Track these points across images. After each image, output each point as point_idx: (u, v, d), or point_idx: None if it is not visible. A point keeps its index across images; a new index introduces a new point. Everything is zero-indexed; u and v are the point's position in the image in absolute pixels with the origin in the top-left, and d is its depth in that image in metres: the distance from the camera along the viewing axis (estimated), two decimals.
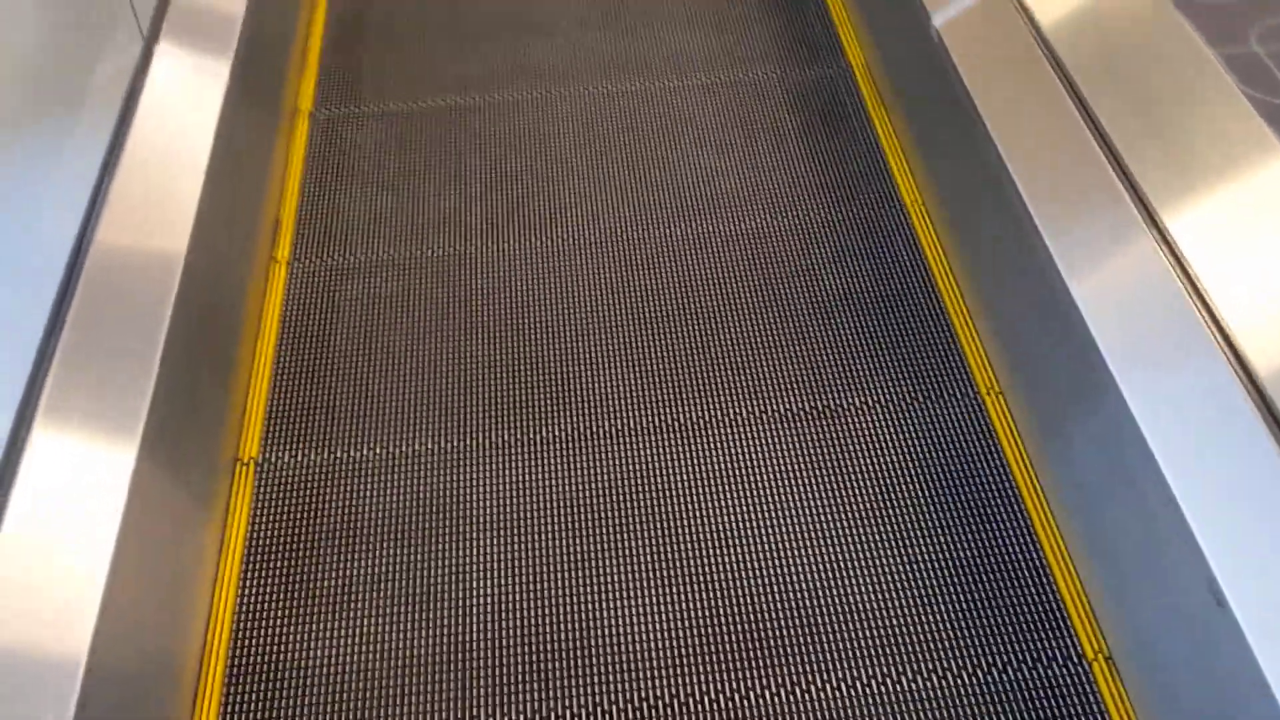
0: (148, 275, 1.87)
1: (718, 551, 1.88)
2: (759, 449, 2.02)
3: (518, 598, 1.83)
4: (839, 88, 2.74)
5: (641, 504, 1.95)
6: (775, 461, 2.00)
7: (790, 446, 2.02)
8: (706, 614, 1.81)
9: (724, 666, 1.75)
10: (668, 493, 1.96)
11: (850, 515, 1.92)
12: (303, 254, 2.40)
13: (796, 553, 1.87)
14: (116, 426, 1.64)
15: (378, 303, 2.29)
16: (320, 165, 2.59)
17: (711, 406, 2.08)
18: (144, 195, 1.93)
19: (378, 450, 2.04)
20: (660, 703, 1.72)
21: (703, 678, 1.74)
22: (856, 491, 1.96)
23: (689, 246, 2.37)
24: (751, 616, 1.80)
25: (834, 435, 2.04)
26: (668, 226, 2.41)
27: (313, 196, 2.52)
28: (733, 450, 2.02)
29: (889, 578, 1.84)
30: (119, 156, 1.93)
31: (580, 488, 1.97)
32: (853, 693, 1.72)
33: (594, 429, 2.06)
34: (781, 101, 2.69)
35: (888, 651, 1.75)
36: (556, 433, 2.05)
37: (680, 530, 1.91)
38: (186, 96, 2.17)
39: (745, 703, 1.72)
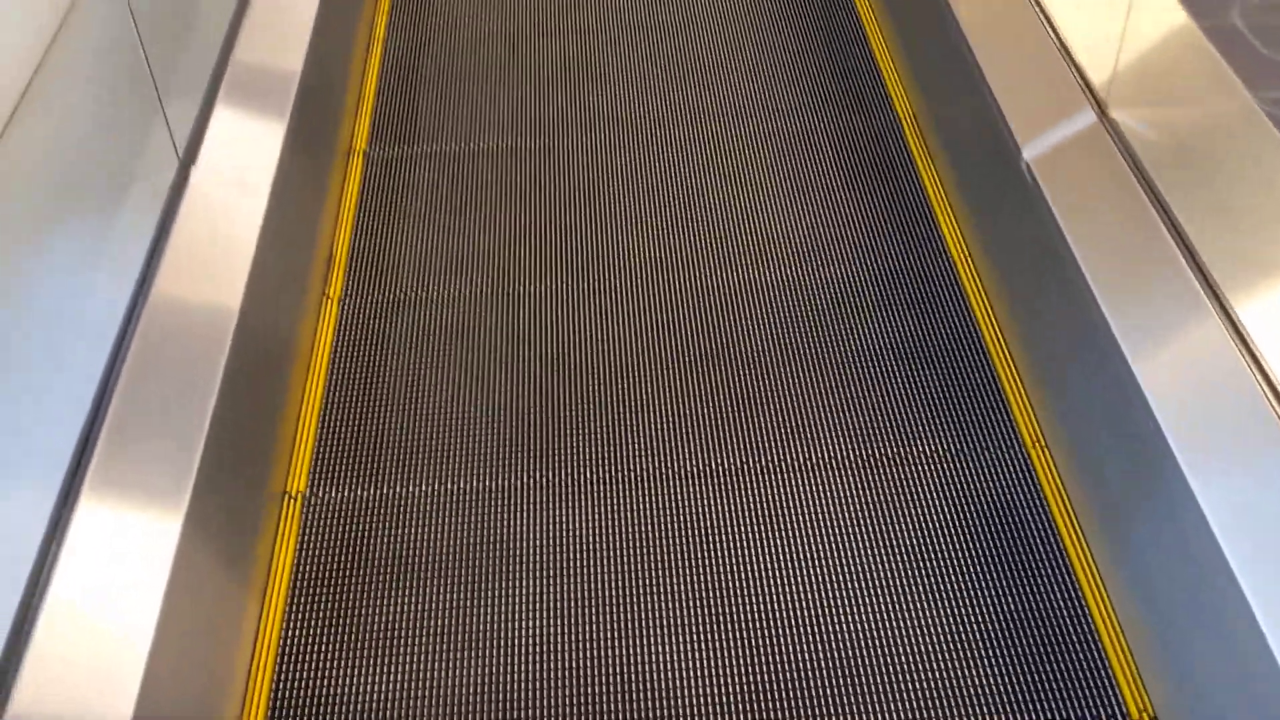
0: (207, 312, 1.92)
1: (761, 599, 1.88)
2: (803, 497, 2.02)
3: (561, 639, 1.84)
4: (886, 138, 2.76)
5: (685, 549, 1.95)
6: (819, 510, 2.00)
7: (834, 495, 2.02)
8: (749, 661, 1.81)
9: (765, 714, 1.75)
10: (711, 538, 1.97)
11: (893, 566, 1.92)
12: (354, 290, 2.43)
13: (838, 602, 1.87)
14: (173, 459, 1.67)
15: (426, 340, 2.32)
16: (373, 203, 2.63)
17: (756, 452, 2.09)
18: (205, 236, 1.98)
19: (424, 487, 2.06)
20: None
21: None
22: (900, 542, 1.96)
23: (735, 291, 2.39)
24: (793, 665, 1.80)
25: (878, 485, 2.04)
26: (714, 271, 2.43)
27: (365, 234, 2.56)
28: (777, 497, 2.02)
29: (932, 630, 1.83)
30: (180, 199, 1.98)
31: (625, 530, 1.98)
32: None
33: (639, 471, 2.07)
34: (829, 150, 2.72)
35: (930, 704, 1.74)
36: (602, 474, 2.07)
37: (723, 576, 1.91)
38: (247, 140, 2.22)
39: None
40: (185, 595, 1.59)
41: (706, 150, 2.74)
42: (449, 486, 2.06)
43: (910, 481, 2.04)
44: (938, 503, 2.00)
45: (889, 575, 1.90)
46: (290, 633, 1.86)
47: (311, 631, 1.86)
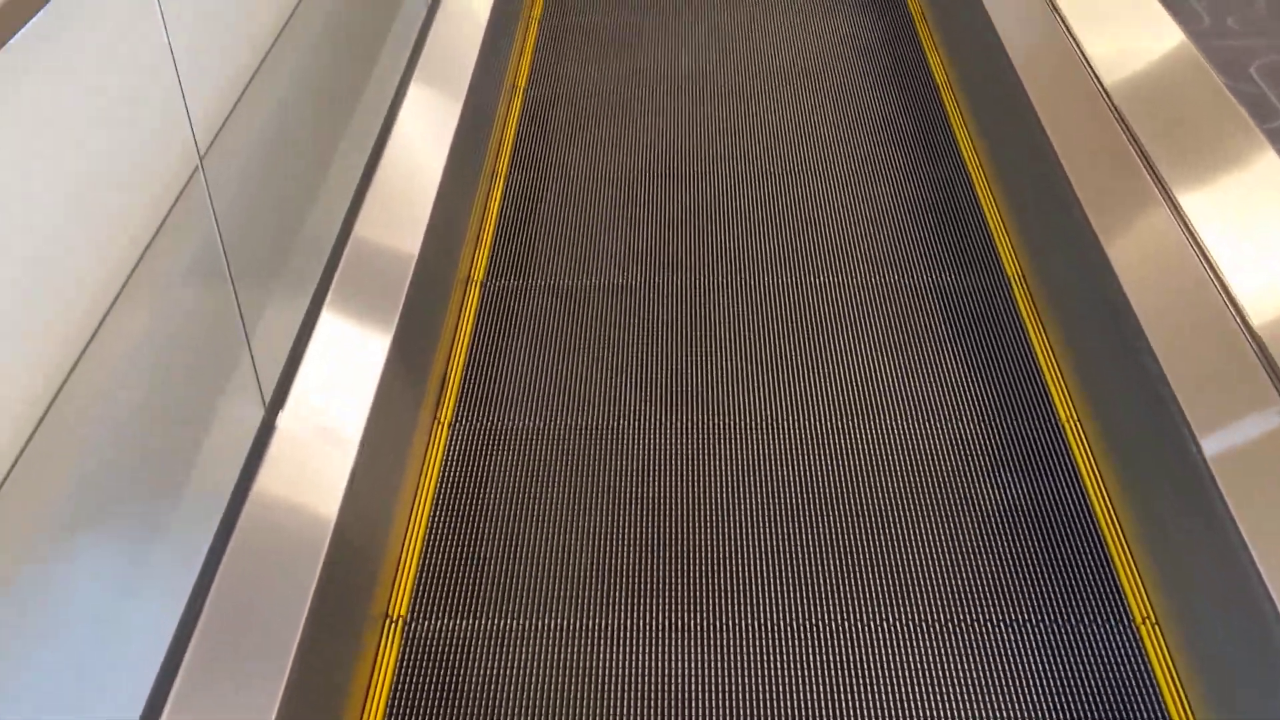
0: (334, 431, 1.99)
1: None
2: (902, 657, 1.99)
3: None
4: (995, 297, 2.77)
5: (781, 703, 1.93)
6: (918, 672, 1.97)
7: (934, 657, 1.99)
8: None
9: None
10: (807, 694, 1.94)
11: None
12: (464, 417, 2.49)
13: None
14: (293, 569, 1.72)
15: (532, 471, 2.35)
16: (488, 332, 2.71)
17: (855, 608, 2.07)
18: (342, 341, 2.05)
19: (522, 621, 2.07)
20: None
21: None
22: (999, 713, 1.91)
23: (839, 444, 2.39)
24: None
25: (979, 650, 2.00)
26: (819, 422, 2.44)
27: (478, 362, 2.63)
28: (875, 655, 2.00)
29: None
30: (315, 324, 2.06)
31: (719, 680, 1.96)
32: None
33: (735, 620, 2.06)
34: (936, 307, 2.74)
35: None
36: (700, 620, 2.06)
37: None
38: (380, 267, 2.32)
39: None
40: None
41: (815, 300, 2.78)
42: (547, 622, 2.07)
43: (1014, 650, 2.00)
44: (1040, 674, 1.96)
45: None
46: None
47: None
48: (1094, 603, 2.07)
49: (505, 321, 2.75)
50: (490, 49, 3.30)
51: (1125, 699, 1.92)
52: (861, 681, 1.95)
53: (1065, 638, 2.02)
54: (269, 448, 1.83)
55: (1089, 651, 2.00)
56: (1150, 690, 1.94)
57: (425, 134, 2.78)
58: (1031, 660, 1.99)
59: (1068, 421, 2.43)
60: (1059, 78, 2.81)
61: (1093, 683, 1.95)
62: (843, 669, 1.98)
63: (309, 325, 2.11)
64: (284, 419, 1.87)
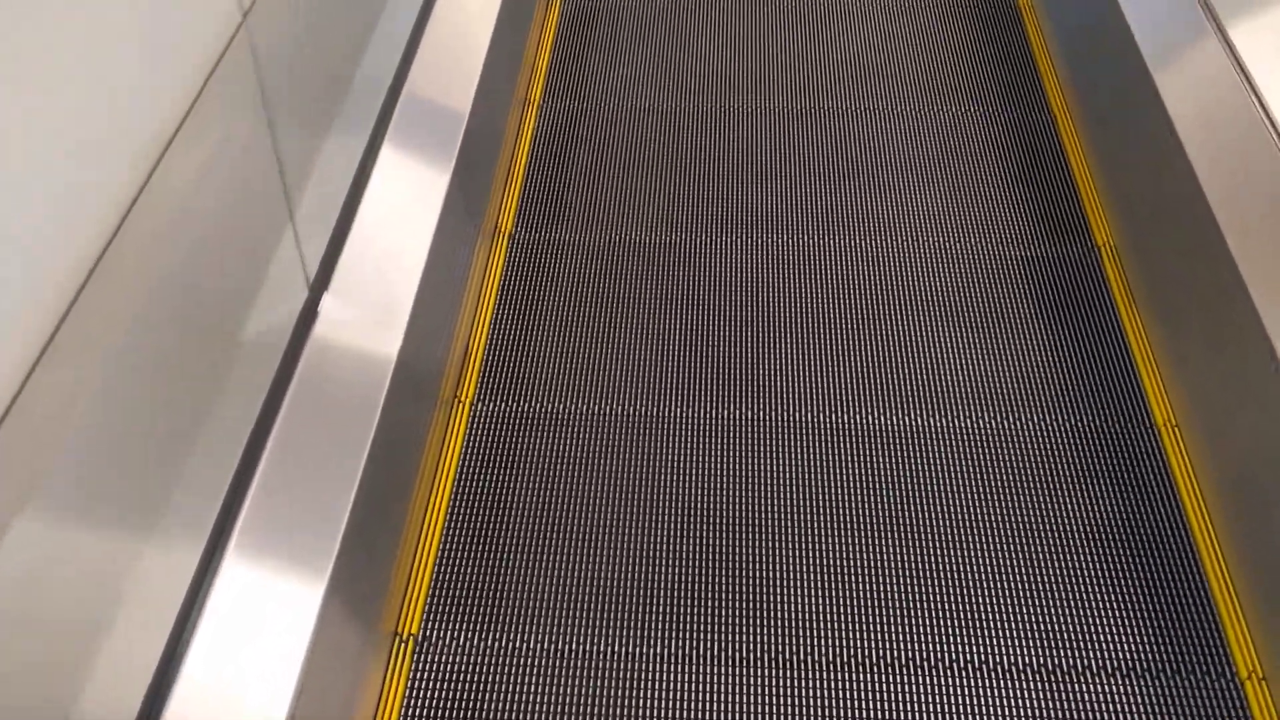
0: (352, 396, 1.77)
1: None
2: (978, 703, 1.77)
3: None
4: (1083, 272, 2.47)
5: None
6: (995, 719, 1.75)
7: (1009, 709, 1.76)
8: None
9: None
10: None
11: None
12: (487, 395, 2.24)
13: None
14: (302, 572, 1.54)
15: (559, 463, 2.11)
16: (515, 294, 2.44)
17: (921, 644, 1.84)
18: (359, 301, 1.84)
19: (545, 644, 1.86)
20: None
21: None
22: None
23: (907, 439, 2.13)
24: None
25: (1063, 702, 1.77)
26: (885, 414, 2.18)
27: (504, 330, 2.37)
28: (944, 702, 1.77)
29: None
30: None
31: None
32: None
33: (785, 654, 1.83)
34: (1018, 280, 2.44)
35: None
36: (744, 653, 1.84)
37: None
38: (405, 210, 2.07)
39: None
40: None
41: (884, 276, 2.48)
42: (573, 646, 1.85)
43: (1099, 700, 1.77)
44: None
45: None
46: None
47: None
48: (1192, 647, 1.83)
49: (534, 279, 2.48)
50: None
51: None
52: None
53: (1158, 688, 1.78)
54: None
55: (1184, 706, 1.77)
56: None
57: None
58: (1119, 713, 1.76)
59: (1164, 424, 2.16)
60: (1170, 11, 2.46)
61: None
62: (907, 715, 1.75)
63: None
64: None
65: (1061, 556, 1.95)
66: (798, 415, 2.18)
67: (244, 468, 1.61)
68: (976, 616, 1.88)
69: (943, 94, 2.94)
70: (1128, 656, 1.82)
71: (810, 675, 1.81)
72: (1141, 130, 2.42)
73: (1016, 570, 1.93)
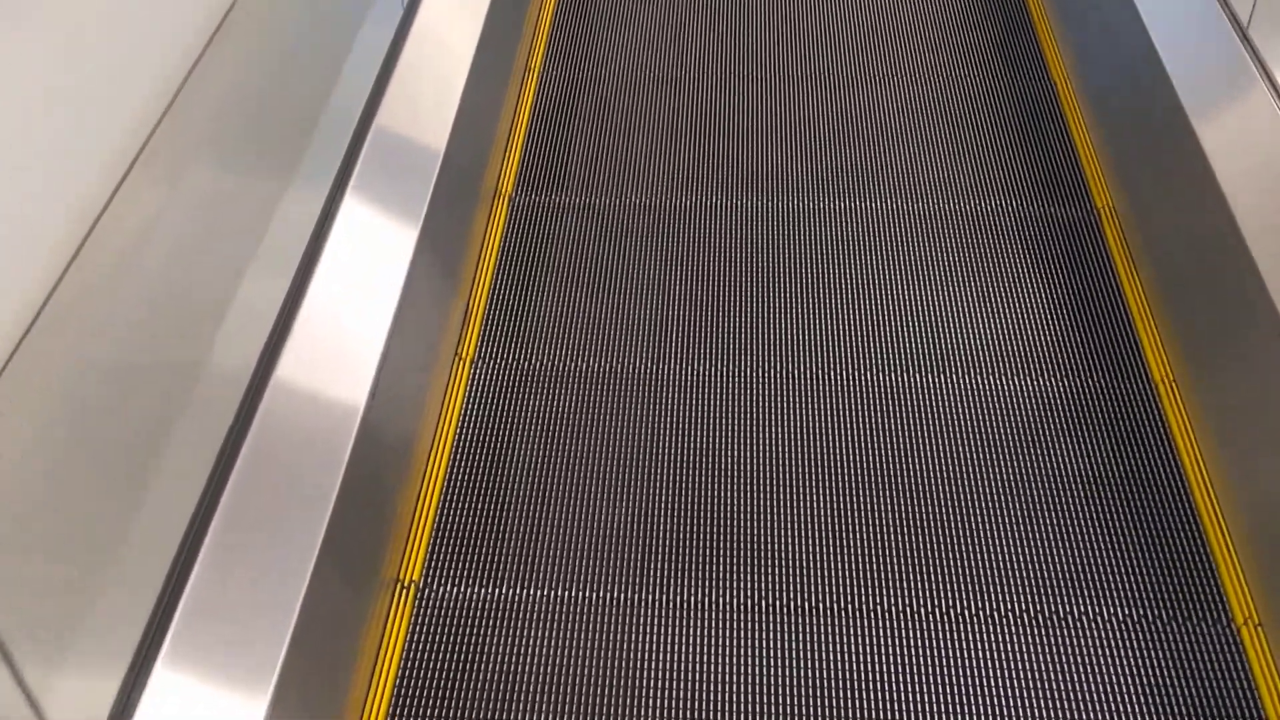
0: (342, 369, 1.78)
1: None
2: (974, 650, 1.78)
3: None
4: (1084, 234, 2.48)
5: (837, 698, 1.72)
6: (991, 668, 1.76)
7: (1011, 654, 1.77)
8: None
9: None
10: (866, 688, 1.74)
11: None
12: (488, 353, 2.25)
13: None
14: (296, 532, 1.55)
15: (560, 420, 2.12)
16: (515, 255, 2.45)
17: (924, 592, 1.85)
18: (349, 275, 1.84)
19: (546, 592, 1.87)
20: None
21: None
22: (1078, 716, 1.70)
23: (909, 397, 2.14)
24: None
25: (1065, 647, 1.78)
26: (889, 372, 2.19)
27: (504, 290, 2.38)
28: (943, 648, 1.78)
29: None
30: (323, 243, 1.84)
31: (769, 669, 1.76)
32: None
33: (790, 600, 1.84)
34: (1021, 242, 2.45)
35: None
36: (744, 599, 1.85)
37: None
38: (399, 183, 2.07)
39: None
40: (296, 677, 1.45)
41: (886, 238, 2.49)
42: (574, 594, 1.86)
43: (1101, 648, 1.78)
44: (1126, 674, 1.74)
45: None
46: None
47: None
48: (1187, 594, 1.84)
49: (533, 242, 2.49)
50: None
51: (1222, 708, 1.71)
52: (931, 677, 1.74)
53: (1154, 635, 1.80)
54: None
55: (1181, 652, 1.78)
56: (1250, 699, 1.72)
57: None
58: (1116, 659, 1.77)
59: (1161, 379, 2.17)
60: None
61: (1186, 691, 1.73)
62: (913, 659, 1.76)
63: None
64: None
65: (1063, 510, 1.96)
66: (802, 372, 2.19)
67: (245, 410, 1.62)
68: (979, 568, 1.89)
69: (945, 60, 2.95)
70: (1127, 605, 1.83)
71: (811, 622, 1.82)
72: (1142, 92, 2.43)
73: (1018, 522, 1.94)
